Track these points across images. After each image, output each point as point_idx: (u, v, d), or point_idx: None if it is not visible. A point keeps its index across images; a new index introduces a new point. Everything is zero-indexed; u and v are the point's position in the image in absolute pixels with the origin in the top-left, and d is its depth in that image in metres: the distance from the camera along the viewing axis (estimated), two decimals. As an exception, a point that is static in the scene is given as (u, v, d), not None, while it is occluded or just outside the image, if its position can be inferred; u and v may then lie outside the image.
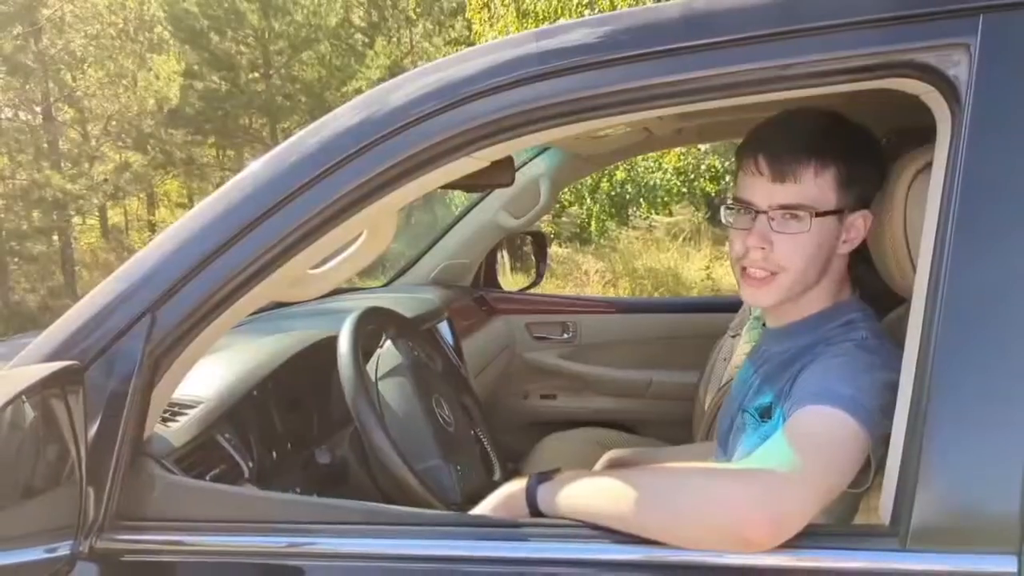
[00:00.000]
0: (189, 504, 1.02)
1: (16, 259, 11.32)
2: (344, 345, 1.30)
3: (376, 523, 0.98)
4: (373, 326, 1.44)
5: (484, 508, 1.07)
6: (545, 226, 9.82)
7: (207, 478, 1.15)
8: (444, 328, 2.02)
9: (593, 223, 10.11)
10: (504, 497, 1.04)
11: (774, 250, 1.11)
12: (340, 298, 2.26)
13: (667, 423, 2.56)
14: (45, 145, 11.99)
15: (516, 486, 1.04)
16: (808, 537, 0.87)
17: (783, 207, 1.10)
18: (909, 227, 1.09)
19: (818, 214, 1.09)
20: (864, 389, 0.98)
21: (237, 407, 1.27)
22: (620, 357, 2.68)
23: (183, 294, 1.03)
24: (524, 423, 2.72)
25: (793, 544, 0.86)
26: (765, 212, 1.11)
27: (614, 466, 1.63)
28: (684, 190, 10.01)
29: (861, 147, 1.12)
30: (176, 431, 1.17)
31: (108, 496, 1.00)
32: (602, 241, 11.11)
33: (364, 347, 1.42)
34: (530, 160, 2.47)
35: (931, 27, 0.87)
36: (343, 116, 1.02)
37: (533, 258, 2.95)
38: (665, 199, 10.12)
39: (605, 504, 0.93)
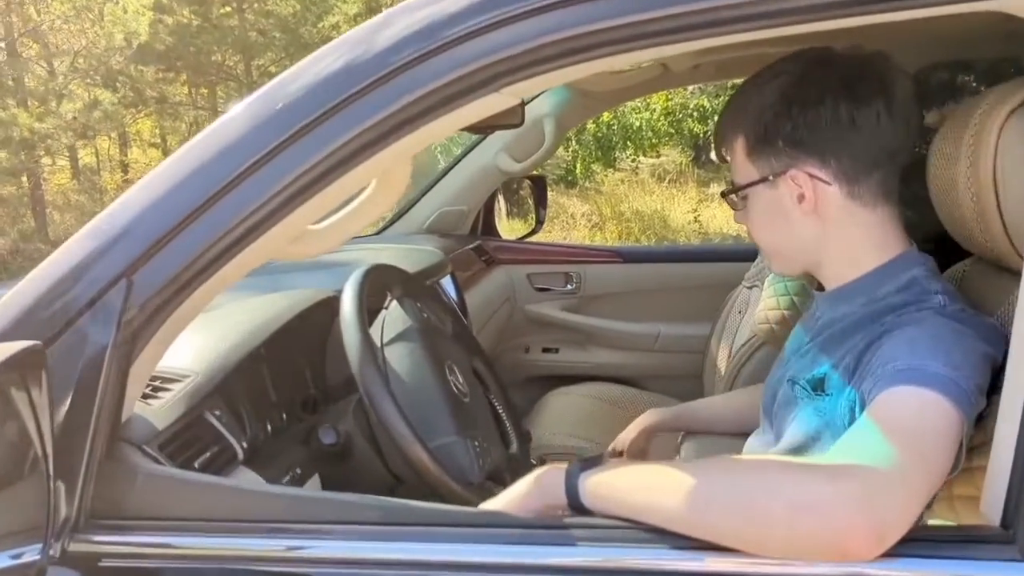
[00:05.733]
0: (176, 499, 0.88)
1: (-16, 201, 10.98)
2: (348, 307, 1.15)
3: (394, 523, 0.85)
4: (380, 283, 1.30)
5: (511, 499, 0.93)
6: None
7: (196, 463, 1.00)
8: (447, 284, 1.87)
9: (579, 165, 9.93)
10: (536, 487, 0.91)
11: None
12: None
13: (675, 377, 2.48)
14: (10, 82, 11.53)
15: (551, 474, 0.90)
16: (907, 543, 0.74)
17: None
18: (1001, 176, 0.94)
19: (742, 188, 1.07)
20: (957, 365, 0.85)
21: (228, 379, 1.12)
22: (626, 309, 2.58)
23: (164, 255, 0.89)
24: (525, 378, 2.62)
25: (892, 552, 0.74)
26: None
27: (652, 431, 1.53)
28: (672, 131, 9.84)
29: (772, 106, 1.03)
30: (159, 410, 1.03)
31: (81, 491, 0.86)
32: (587, 184, 10.93)
33: (369, 309, 1.28)
34: (532, 99, 2.30)
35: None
36: (347, 47, 0.87)
37: (532, 204, 2.79)
38: (652, 140, 9.95)
39: (667, 502, 0.79)
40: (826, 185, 1.02)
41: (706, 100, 8.71)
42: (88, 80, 13.21)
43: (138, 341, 0.91)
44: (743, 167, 1.07)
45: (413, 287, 1.35)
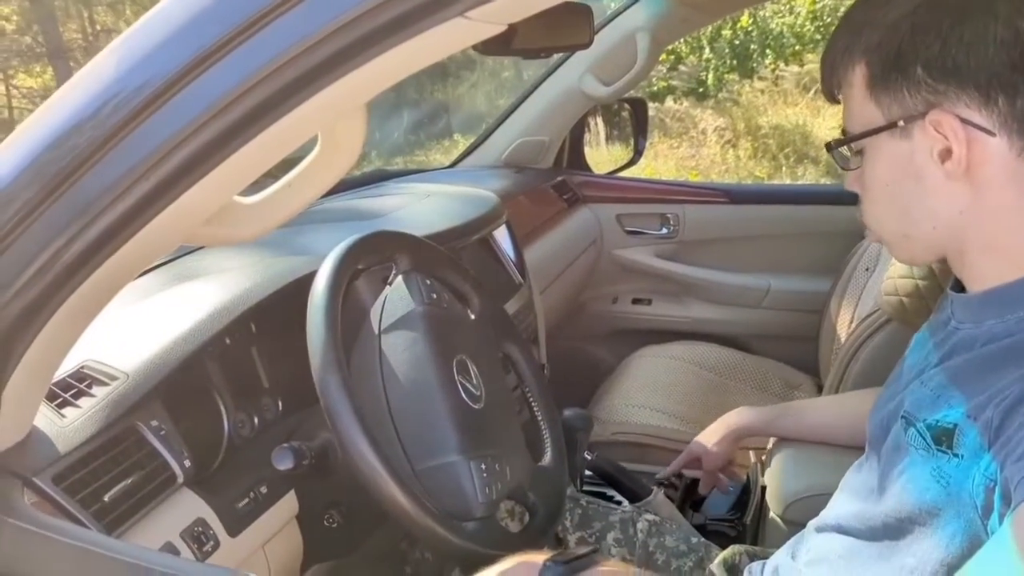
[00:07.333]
0: (37, 561, 0.68)
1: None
2: (319, 289, 0.91)
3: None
4: (377, 256, 1.04)
5: None
6: (659, 80, 9.04)
7: (107, 496, 0.80)
8: (502, 236, 1.60)
9: (710, 75, 9.25)
10: None
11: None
12: (385, 188, 1.86)
13: (786, 339, 2.18)
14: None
15: (519, 573, 0.64)
16: None
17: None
18: None
19: (857, 139, 0.77)
20: None
21: (174, 380, 0.90)
22: (731, 257, 2.28)
23: (23, 243, 0.67)
24: (611, 331, 2.37)
25: None
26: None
27: (741, 435, 1.28)
28: (818, 36, 9.00)
29: (911, 16, 0.71)
30: (74, 424, 0.82)
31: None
32: (721, 95, 10.23)
33: (370, 287, 1.04)
34: (624, 9, 1.96)
35: None
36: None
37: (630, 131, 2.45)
38: (796, 47, 9.15)
39: None
40: (986, 136, 0.69)
41: (859, 1, 7.82)
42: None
43: (10, 352, 0.70)
44: (861, 108, 0.76)
45: (426, 259, 1.08)
